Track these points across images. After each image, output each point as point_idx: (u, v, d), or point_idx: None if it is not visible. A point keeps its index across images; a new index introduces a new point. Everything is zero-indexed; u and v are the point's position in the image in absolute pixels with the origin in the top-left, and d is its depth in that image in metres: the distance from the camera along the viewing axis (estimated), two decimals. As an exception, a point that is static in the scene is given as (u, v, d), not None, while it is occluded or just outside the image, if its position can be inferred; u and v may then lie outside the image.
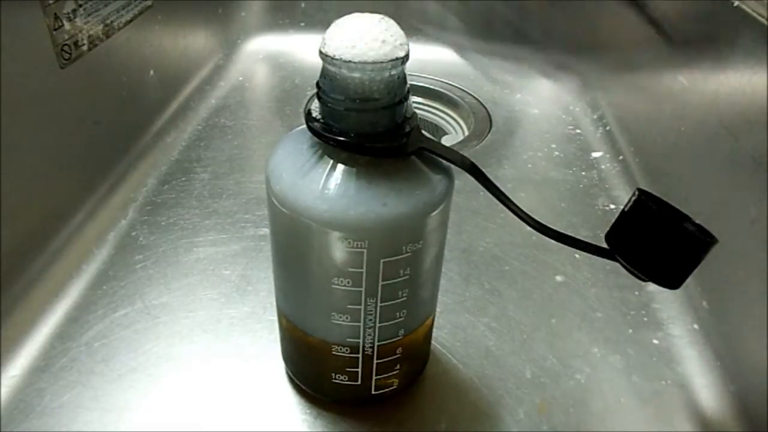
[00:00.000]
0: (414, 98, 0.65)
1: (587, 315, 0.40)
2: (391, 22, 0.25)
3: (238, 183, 0.51)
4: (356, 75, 0.24)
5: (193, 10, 0.62)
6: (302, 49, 0.71)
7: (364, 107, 0.25)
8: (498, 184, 0.26)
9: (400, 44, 0.24)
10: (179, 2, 0.58)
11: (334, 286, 0.27)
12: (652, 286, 0.42)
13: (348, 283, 0.27)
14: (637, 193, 0.24)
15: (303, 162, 0.26)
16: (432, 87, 0.66)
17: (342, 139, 0.25)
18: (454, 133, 0.63)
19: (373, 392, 0.32)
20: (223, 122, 0.59)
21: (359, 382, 0.31)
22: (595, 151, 0.58)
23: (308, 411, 0.34)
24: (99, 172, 0.48)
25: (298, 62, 0.69)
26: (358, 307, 0.28)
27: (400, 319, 0.29)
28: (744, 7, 0.40)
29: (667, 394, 0.35)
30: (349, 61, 0.24)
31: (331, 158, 0.26)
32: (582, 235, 0.40)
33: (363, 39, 0.24)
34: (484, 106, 0.64)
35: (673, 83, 0.49)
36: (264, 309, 0.40)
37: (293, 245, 0.28)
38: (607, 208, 0.50)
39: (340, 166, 0.26)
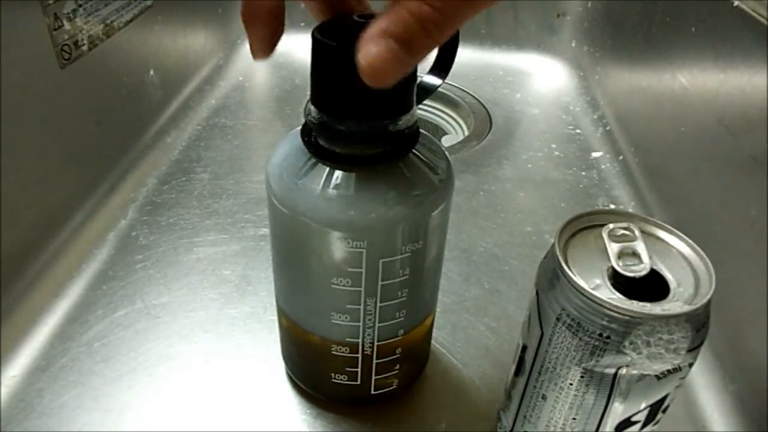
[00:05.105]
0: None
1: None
2: None
3: (238, 183, 0.51)
4: None
5: (193, 10, 0.62)
6: (302, 49, 0.71)
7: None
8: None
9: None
10: (179, 2, 0.58)
11: (333, 286, 0.27)
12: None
13: (347, 282, 0.27)
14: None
15: (303, 162, 0.26)
16: (432, 87, 0.66)
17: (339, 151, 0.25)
18: (454, 133, 0.63)
19: (372, 392, 0.32)
20: (223, 122, 0.59)
21: (359, 382, 0.31)
22: (595, 151, 0.58)
23: (308, 411, 0.34)
24: (99, 172, 0.48)
25: (298, 62, 0.69)
26: (358, 306, 0.28)
27: (400, 319, 0.29)
28: (744, 7, 0.40)
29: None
30: None
31: (331, 158, 0.26)
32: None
33: None
34: (484, 106, 0.64)
35: (673, 83, 0.49)
36: (264, 309, 0.40)
37: (293, 245, 0.28)
38: (607, 208, 0.50)
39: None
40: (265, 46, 0.23)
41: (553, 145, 0.58)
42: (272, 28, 0.23)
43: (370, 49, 0.19)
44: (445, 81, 0.28)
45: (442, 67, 0.28)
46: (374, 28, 0.19)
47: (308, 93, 0.25)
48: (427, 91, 0.28)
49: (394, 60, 0.19)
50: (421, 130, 0.27)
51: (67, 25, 0.41)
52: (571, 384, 0.24)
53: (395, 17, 0.19)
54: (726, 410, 0.35)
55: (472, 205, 0.50)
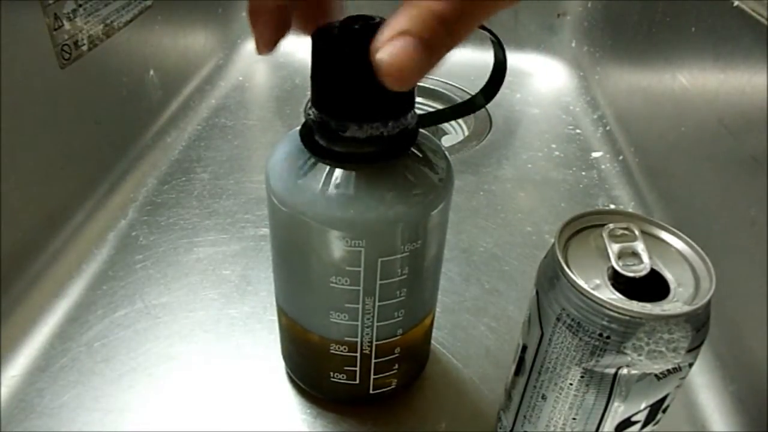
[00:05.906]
0: (414, 98, 0.65)
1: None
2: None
3: (238, 183, 0.51)
4: None
5: (193, 10, 0.62)
6: (302, 49, 0.71)
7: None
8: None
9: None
10: (179, 2, 0.58)
11: (332, 285, 0.27)
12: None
13: (346, 281, 0.27)
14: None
15: (303, 161, 0.26)
16: (432, 87, 0.66)
17: (338, 150, 0.25)
18: (454, 133, 0.63)
19: (371, 391, 0.32)
20: (223, 122, 0.59)
21: (357, 381, 0.31)
22: (595, 151, 0.58)
23: (308, 411, 0.34)
24: (99, 172, 0.48)
25: (298, 62, 0.69)
26: (356, 305, 0.28)
27: (398, 319, 0.29)
28: (744, 7, 0.40)
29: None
30: None
31: (331, 158, 0.26)
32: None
33: None
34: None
35: (673, 83, 0.49)
36: (264, 309, 0.40)
37: (292, 243, 0.28)
38: (607, 208, 0.50)
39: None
40: (269, 42, 0.23)
41: (553, 145, 0.58)
42: (277, 26, 0.23)
43: (390, 50, 0.18)
44: (485, 106, 0.29)
45: (487, 93, 0.29)
46: (392, 28, 0.19)
47: (308, 93, 0.25)
48: (469, 110, 0.29)
49: (416, 60, 0.18)
50: (421, 130, 0.27)
51: (67, 25, 0.41)
52: (571, 384, 0.24)
53: (413, 15, 0.18)
54: (726, 410, 0.35)
55: (472, 205, 0.50)
